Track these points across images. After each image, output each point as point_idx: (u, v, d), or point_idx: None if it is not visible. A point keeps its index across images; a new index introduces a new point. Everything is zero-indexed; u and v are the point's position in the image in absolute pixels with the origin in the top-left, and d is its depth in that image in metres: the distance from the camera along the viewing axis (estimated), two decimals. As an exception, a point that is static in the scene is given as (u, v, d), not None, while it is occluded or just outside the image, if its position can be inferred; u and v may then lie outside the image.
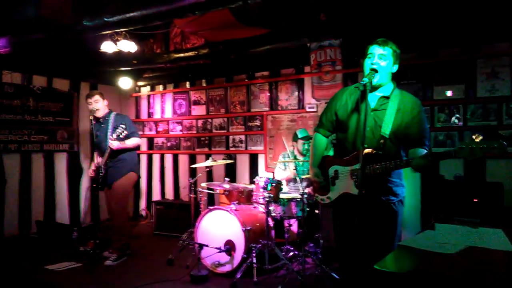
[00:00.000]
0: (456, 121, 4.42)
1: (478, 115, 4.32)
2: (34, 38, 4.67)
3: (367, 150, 2.38)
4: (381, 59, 2.45)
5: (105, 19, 4.00)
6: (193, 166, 5.48)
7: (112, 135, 4.34)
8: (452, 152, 2.03)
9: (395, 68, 2.54)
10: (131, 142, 4.53)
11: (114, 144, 4.32)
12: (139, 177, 4.85)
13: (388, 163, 2.31)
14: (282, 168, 4.99)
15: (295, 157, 4.75)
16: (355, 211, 2.19)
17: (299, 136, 4.72)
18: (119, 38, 5.09)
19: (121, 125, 4.30)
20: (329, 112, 2.71)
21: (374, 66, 2.44)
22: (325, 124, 2.74)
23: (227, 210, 4.09)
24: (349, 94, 2.63)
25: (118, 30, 4.70)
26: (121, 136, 4.30)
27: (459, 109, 4.42)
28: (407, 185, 2.66)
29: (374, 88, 2.50)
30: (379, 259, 1.58)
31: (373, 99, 2.53)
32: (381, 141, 2.42)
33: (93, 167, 4.71)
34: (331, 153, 2.91)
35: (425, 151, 2.38)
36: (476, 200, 3.76)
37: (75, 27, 4.27)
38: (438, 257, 1.55)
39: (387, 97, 2.51)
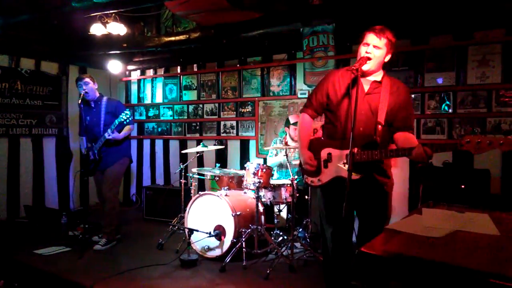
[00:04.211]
0: (446, 108, 4.45)
1: (468, 102, 4.35)
2: (21, 20, 4.57)
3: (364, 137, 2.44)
4: (376, 49, 2.48)
5: (94, 0, 3.92)
6: (184, 151, 5.46)
7: (113, 124, 4.29)
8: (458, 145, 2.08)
9: (388, 57, 2.57)
10: (126, 131, 4.51)
11: (112, 135, 4.30)
12: (131, 161, 4.83)
13: (389, 151, 2.32)
14: (274, 153, 4.99)
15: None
16: (348, 194, 2.18)
17: (291, 121, 4.71)
18: (108, 21, 5.00)
19: (125, 111, 4.27)
20: (319, 93, 2.70)
21: (369, 55, 2.46)
22: (314, 105, 2.72)
23: (217, 196, 4.09)
24: (341, 76, 2.63)
25: (108, 12, 4.62)
26: (125, 122, 4.27)
27: (449, 96, 4.44)
28: (395, 172, 2.69)
29: (367, 74, 2.52)
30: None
31: (365, 83, 2.55)
32: (379, 126, 2.46)
33: (83, 151, 4.67)
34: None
35: (413, 135, 2.47)
36: (464, 186, 3.81)
37: (63, 8, 4.18)
38: (425, 241, 1.56)
39: (379, 82, 2.54)
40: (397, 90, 2.54)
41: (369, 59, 2.45)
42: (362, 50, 2.49)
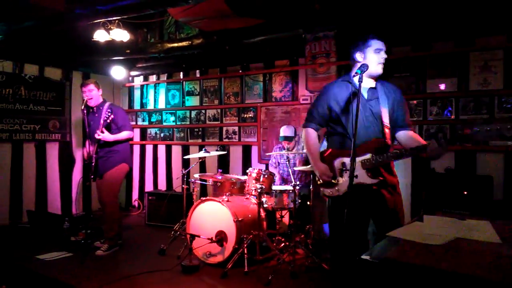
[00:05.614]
0: (449, 114, 4.44)
1: (470, 108, 4.34)
2: (26, 26, 4.61)
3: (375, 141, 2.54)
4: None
5: (98, 7, 3.95)
6: (186, 157, 5.47)
7: (100, 125, 4.33)
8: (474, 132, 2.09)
9: None
10: (121, 135, 4.52)
11: (100, 135, 4.31)
12: (130, 168, 4.84)
13: (404, 151, 2.42)
14: (274, 161, 5.05)
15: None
16: (367, 199, 2.28)
17: (281, 134, 4.79)
18: (112, 27, 5.04)
19: (107, 111, 4.31)
20: (320, 107, 2.74)
21: (383, 61, 2.58)
22: (317, 119, 2.76)
23: (219, 201, 4.09)
24: (338, 88, 2.68)
25: (111, 19, 4.65)
26: (108, 121, 4.29)
27: (451, 102, 4.43)
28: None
29: (365, 81, 2.56)
30: None
31: (363, 91, 2.61)
32: (386, 130, 2.54)
33: (85, 154, 4.69)
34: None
35: (416, 134, 2.58)
36: (466, 192, 3.79)
37: (67, 15, 4.21)
38: (426, 248, 1.56)
39: (374, 88, 2.63)
40: (390, 91, 2.64)
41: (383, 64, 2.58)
42: (378, 57, 2.55)
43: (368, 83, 2.60)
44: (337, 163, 2.62)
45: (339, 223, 2.65)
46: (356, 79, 2.39)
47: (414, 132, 2.65)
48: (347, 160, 2.56)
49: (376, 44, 2.56)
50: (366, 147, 2.48)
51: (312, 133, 2.79)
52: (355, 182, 2.51)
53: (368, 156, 2.47)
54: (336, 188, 2.63)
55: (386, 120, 2.54)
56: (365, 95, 2.61)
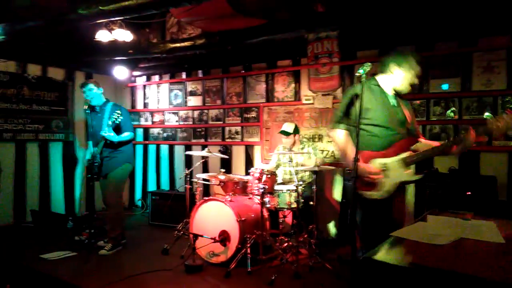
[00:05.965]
0: (452, 114, 4.43)
1: (473, 108, 4.33)
2: (28, 27, 4.62)
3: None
4: None
5: (100, 8, 3.96)
6: (188, 152, 5.49)
7: (106, 124, 4.34)
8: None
9: None
10: (125, 137, 4.53)
11: (107, 133, 4.32)
12: (133, 168, 4.85)
13: (435, 148, 2.62)
14: (275, 159, 5.06)
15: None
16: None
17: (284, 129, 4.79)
18: (114, 27, 5.04)
19: (116, 111, 4.32)
20: (347, 108, 2.74)
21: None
22: (345, 119, 2.75)
23: (222, 201, 4.10)
24: (367, 90, 2.67)
25: (114, 19, 4.66)
26: (116, 122, 4.30)
27: (454, 102, 4.42)
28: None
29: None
30: None
31: (390, 97, 2.76)
32: (414, 132, 2.78)
33: (89, 157, 4.70)
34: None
35: (424, 138, 2.87)
36: (470, 193, 3.78)
37: (70, 15, 4.22)
38: (430, 249, 1.56)
39: (396, 96, 2.80)
40: (407, 103, 2.85)
41: None
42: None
43: (391, 90, 2.77)
44: (375, 163, 2.61)
45: (381, 225, 2.56)
46: (382, 82, 2.69)
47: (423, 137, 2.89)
48: (387, 160, 2.60)
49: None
50: (401, 146, 2.60)
51: (342, 133, 2.76)
52: (400, 181, 2.59)
53: (406, 154, 2.59)
54: (377, 189, 2.58)
55: (409, 124, 2.72)
56: (392, 101, 2.73)
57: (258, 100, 5.91)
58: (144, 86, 7.22)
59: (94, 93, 4.55)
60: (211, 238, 3.99)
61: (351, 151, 2.67)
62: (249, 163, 5.98)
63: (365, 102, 2.63)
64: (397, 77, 2.69)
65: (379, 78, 2.76)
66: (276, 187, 4.27)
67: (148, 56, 6.18)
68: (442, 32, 4.41)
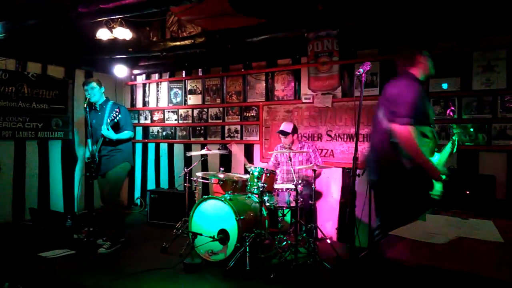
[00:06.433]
0: (451, 113, 4.43)
1: (473, 108, 4.33)
2: (28, 24, 4.61)
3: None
4: None
5: (101, 6, 3.95)
6: (189, 154, 5.49)
7: (105, 122, 4.34)
8: None
9: None
10: (124, 136, 4.53)
11: (106, 132, 4.32)
12: (132, 166, 4.85)
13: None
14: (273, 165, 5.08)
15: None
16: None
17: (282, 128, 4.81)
18: (114, 26, 5.05)
19: (115, 110, 4.31)
20: (415, 106, 2.69)
21: None
22: (416, 117, 2.70)
23: (221, 200, 4.10)
24: (420, 88, 2.76)
25: (114, 17, 4.65)
26: (115, 120, 4.30)
27: (454, 101, 4.42)
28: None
29: None
30: None
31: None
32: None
33: (88, 155, 4.70)
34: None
35: None
36: (468, 192, 3.79)
37: (70, 13, 4.22)
38: (428, 248, 1.56)
39: None
40: None
41: None
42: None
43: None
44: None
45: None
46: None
47: None
48: (437, 161, 2.79)
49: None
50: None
51: (414, 130, 2.69)
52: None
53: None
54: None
55: None
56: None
57: (258, 98, 5.91)
58: (144, 85, 7.22)
59: (96, 91, 4.55)
60: (210, 237, 3.99)
61: (424, 150, 2.74)
62: (248, 161, 5.95)
63: (423, 101, 2.73)
64: (425, 65, 2.78)
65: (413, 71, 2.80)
66: (275, 186, 4.27)
67: (148, 55, 6.18)
68: (442, 31, 4.40)
